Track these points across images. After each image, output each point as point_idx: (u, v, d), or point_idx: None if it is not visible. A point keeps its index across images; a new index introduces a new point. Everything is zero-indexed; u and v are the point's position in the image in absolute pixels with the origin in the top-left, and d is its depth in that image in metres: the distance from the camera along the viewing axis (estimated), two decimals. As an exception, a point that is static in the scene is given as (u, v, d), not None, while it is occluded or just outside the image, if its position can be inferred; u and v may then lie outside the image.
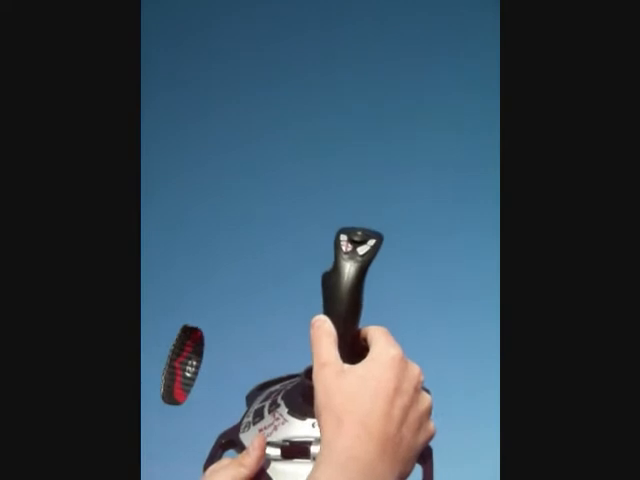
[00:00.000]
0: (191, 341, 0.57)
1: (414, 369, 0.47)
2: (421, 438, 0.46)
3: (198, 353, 0.63)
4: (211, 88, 2.13)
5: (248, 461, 0.47)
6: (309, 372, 0.49)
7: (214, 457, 0.52)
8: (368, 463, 0.41)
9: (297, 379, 0.55)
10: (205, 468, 0.51)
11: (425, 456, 0.48)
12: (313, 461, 0.45)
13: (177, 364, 0.62)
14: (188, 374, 0.63)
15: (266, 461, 0.48)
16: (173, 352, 0.51)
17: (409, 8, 2.05)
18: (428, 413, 0.47)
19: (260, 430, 0.50)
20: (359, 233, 0.52)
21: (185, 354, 0.58)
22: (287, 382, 0.58)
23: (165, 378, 0.59)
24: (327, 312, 0.50)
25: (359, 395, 0.43)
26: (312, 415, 0.47)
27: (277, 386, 0.58)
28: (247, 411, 0.56)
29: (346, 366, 0.46)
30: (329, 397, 0.44)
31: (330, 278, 0.50)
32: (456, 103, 2.02)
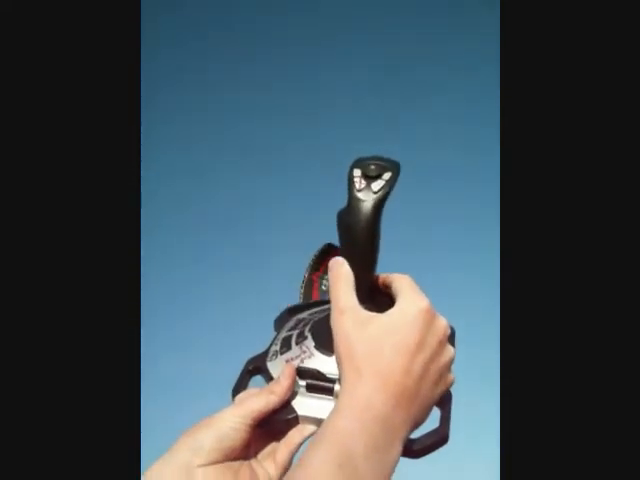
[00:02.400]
0: (331, 257, 0.56)
1: (441, 322, 0.46)
2: (439, 389, 0.46)
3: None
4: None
5: (279, 389, 0.48)
6: None
7: (242, 382, 0.53)
8: (383, 414, 0.41)
9: (326, 309, 0.55)
10: (234, 393, 0.52)
11: (443, 401, 0.47)
12: (335, 399, 0.47)
13: (315, 277, 0.61)
14: (324, 287, 0.62)
15: (292, 392, 0.49)
16: (311, 267, 0.51)
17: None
18: (449, 366, 0.46)
19: (287, 361, 0.51)
20: (372, 167, 0.48)
21: (322, 269, 0.58)
22: (316, 310, 0.58)
23: (304, 290, 0.57)
24: (344, 253, 0.49)
25: (381, 348, 0.43)
26: None
27: (306, 314, 0.58)
28: (275, 338, 0.56)
29: (367, 313, 0.46)
30: (349, 346, 0.44)
31: (344, 217, 0.48)
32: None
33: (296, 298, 0.61)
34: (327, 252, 0.58)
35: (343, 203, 0.49)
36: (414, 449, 0.45)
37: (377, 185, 0.48)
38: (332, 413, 0.43)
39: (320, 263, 0.57)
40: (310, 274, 0.56)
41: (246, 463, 0.48)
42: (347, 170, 0.50)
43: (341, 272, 0.48)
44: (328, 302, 0.58)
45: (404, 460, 0.45)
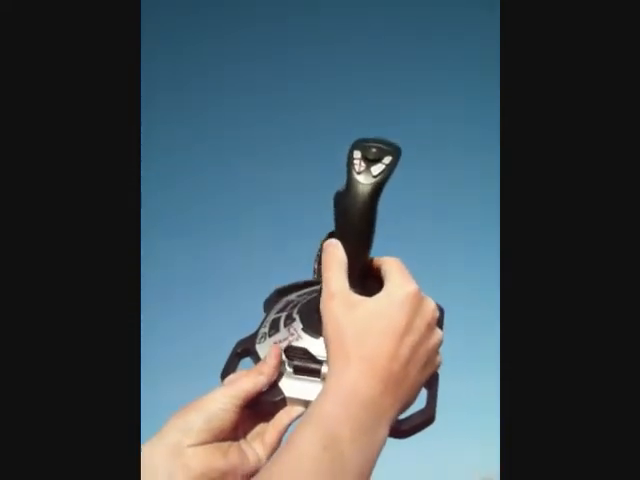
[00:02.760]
0: None
1: (429, 305, 0.46)
2: (427, 372, 0.46)
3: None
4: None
5: (266, 369, 0.48)
6: None
7: (231, 365, 0.53)
8: (370, 398, 0.42)
9: (314, 291, 0.54)
10: (222, 375, 0.52)
11: (430, 382, 0.47)
12: (322, 381, 0.47)
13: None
14: None
15: (280, 374, 0.49)
16: (320, 257, 0.50)
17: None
18: (437, 348, 0.46)
19: (275, 343, 0.51)
20: (373, 150, 0.48)
21: None
22: (305, 291, 0.58)
23: (316, 274, 0.57)
24: (339, 236, 0.48)
25: (368, 332, 0.43)
26: None
27: (294, 295, 0.58)
28: (264, 320, 0.56)
29: (356, 297, 0.46)
30: (338, 330, 0.44)
31: (342, 199, 0.48)
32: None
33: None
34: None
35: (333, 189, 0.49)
36: (401, 429, 0.45)
37: (377, 169, 0.47)
38: (319, 396, 0.43)
39: None
40: (319, 257, 0.56)
41: (235, 444, 0.48)
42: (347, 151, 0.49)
43: (335, 255, 0.48)
44: (316, 283, 0.58)
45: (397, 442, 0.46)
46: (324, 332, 0.46)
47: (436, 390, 0.48)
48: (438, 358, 0.47)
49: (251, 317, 0.58)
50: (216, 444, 0.46)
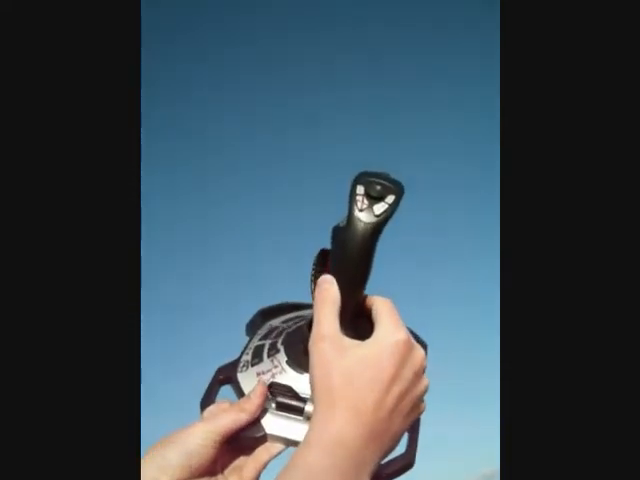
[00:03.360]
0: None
1: (417, 354, 0.45)
2: (410, 419, 0.45)
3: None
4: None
5: (249, 407, 0.47)
6: (311, 323, 0.48)
7: (211, 392, 0.52)
8: (355, 449, 0.41)
9: (299, 318, 0.53)
10: (202, 403, 0.51)
11: (412, 427, 0.47)
12: (305, 420, 0.47)
13: None
14: None
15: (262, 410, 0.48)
16: (314, 276, 0.50)
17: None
18: (422, 396, 0.46)
19: (258, 374, 0.50)
20: (377, 187, 0.47)
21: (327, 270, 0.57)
22: (289, 317, 0.57)
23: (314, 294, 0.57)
24: (334, 271, 0.48)
25: (356, 380, 0.43)
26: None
27: (279, 321, 0.57)
28: (246, 346, 0.55)
29: (347, 342, 0.45)
30: (326, 375, 0.43)
31: (342, 235, 0.47)
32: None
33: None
34: (325, 257, 0.57)
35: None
36: (382, 474, 0.45)
37: (379, 208, 0.46)
38: (303, 445, 0.42)
39: (321, 271, 0.56)
40: (315, 279, 0.55)
41: (212, 479, 0.47)
42: (349, 184, 0.48)
43: (329, 293, 0.47)
44: (301, 307, 0.58)
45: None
46: (311, 373, 0.45)
47: (417, 435, 0.48)
48: (422, 405, 0.47)
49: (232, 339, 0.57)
50: None
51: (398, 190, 0.47)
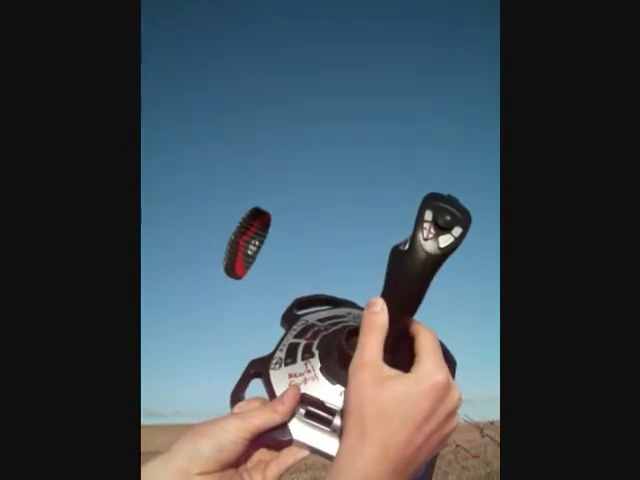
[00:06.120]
0: (258, 223, 0.54)
1: (454, 396, 0.45)
2: (434, 453, 0.46)
3: (262, 235, 0.59)
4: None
5: (282, 410, 0.48)
6: (350, 334, 0.49)
7: (242, 385, 0.53)
8: None
9: (336, 319, 0.54)
10: (233, 395, 0.52)
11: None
12: (332, 433, 0.48)
13: (241, 242, 0.59)
14: (250, 252, 0.60)
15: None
16: (239, 230, 0.50)
17: None
18: (450, 434, 0.47)
19: (290, 375, 0.51)
20: (447, 218, 0.45)
21: (250, 233, 0.56)
22: (326, 315, 0.57)
23: (228, 252, 0.58)
24: (387, 295, 0.46)
25: (389, 416, 0.43)
26: (342, 382, 0.48)
27: (314, 319, 0.57)
28: (281, 341, 0.55)
29: (386, 372, 0.45)
30: (360, 406, 0.44)
31: (400, 258, 0.45)
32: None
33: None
34: (255, 216, 0.55)
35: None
36: None
37: (445, 240, 0.45)
38: (329, 475, 0.43)
39: (248, 227, 0.55)
40: (237, 237, 0.54)
41: (237, 473, 0.48)
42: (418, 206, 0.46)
43: (378, 319, 0.46)
44: (334, 302, 0.59)
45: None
46: (346, 398, 0.45)
47: (435, 460, 0.49)
48: (448, 441, 0.47)
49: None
50: (221, 473, 0.46)
51: (466, 222, 0.45)
